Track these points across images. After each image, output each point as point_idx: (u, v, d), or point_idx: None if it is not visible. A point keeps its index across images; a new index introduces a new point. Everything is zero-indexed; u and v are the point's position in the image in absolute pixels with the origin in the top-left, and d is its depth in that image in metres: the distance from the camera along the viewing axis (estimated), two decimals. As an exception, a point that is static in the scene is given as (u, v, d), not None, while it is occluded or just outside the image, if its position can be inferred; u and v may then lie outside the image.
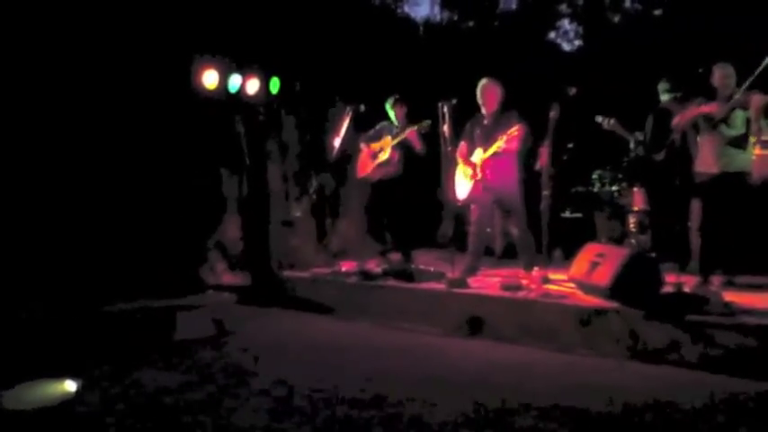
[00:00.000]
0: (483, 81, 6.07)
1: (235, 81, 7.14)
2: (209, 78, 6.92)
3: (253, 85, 7.28)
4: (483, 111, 6.10)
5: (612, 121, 6.88)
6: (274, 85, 7.43)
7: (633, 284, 4.79)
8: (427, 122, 6.40)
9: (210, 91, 6.97)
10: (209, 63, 6.94)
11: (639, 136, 6.76)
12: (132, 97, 6.81)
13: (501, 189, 5.97)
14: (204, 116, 7.25)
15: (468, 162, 6.06)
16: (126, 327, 5.54)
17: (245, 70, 7.23)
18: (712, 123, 5.37)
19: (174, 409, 3.73)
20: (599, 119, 6.92)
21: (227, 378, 4.27)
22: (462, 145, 6.17)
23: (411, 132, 6.53)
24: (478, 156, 5.98)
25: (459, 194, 6.15)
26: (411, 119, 6.78)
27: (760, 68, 5.12)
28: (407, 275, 6.20)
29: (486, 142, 5.93)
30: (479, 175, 5.95)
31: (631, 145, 6.84)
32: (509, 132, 5.69)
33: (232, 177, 7.60)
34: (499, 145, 5.76)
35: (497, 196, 6.03)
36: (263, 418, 3.54)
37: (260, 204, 7.56)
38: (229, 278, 7.21)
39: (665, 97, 6.44)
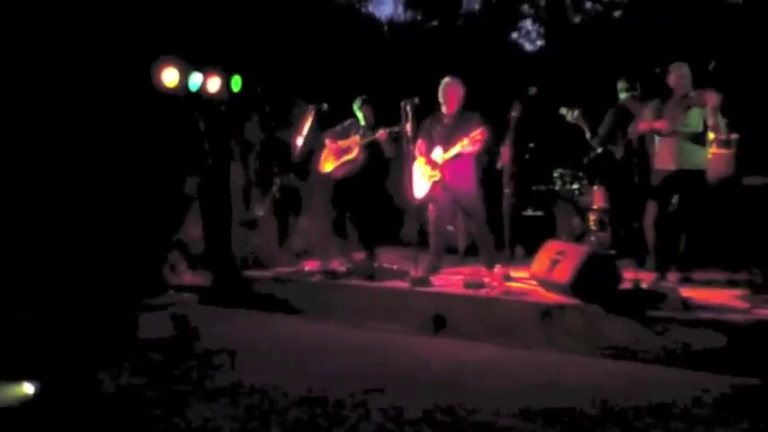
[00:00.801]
0: (446, 80, 6.04)
1: (195, 79, 7.05)
2: (169, 76, 6.81)
3: (214, 84, 7.19)
4: (444, 109, 6.08)
5: (576, 113, 6.88)
6: (236, 83, 7.34)
7: (593, 281, 4.87)
8: (399, 128, 6.33)
9: (170, 89, 6.87)
10: (169, 61, 6.84)
11: (598, 131, 6.83)
12: (92, 95, 6.68)
13: (459, 190, 5.97)
14: (166, 115, 7.15)
15: (428, 161, 6.06)
16: (87, 327, 5.44)
17: (206, 68, 7.14)
18: (666, 125, 5.48)
19: (134, 409, 3.68)
20: (563, 111, 6.94)
21: (188, 378, 4.22)
22: (420, 142, 6.13)
23: (383, 134, 6.48)
24: (439, 155, 5.97)
25: (417, 193, 6.14)
26: (378, 119, 6.77)
27: (710, 69, 5.26)
28: (371, 274, 6.19)
29: (447, 142, 5.91)
30: (439, 176, 5.96)
31: (587, 135, 6.87)
32: (472, 135, 5.68)
33: (194, 176, 7.50)
34: (462, 146, 5.76)
35: (456, 196, 6.04)
36: (222, 419, 3.51)
37: (222, 203, 7.47)
38: (191, 278, 7.11)
39: (623, 95, 6.56)
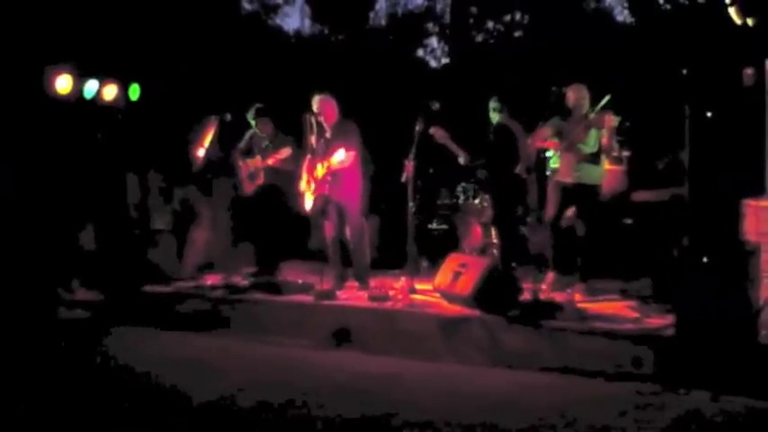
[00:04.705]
0: (317, 97, 6.08)
1: (91, 86, 6.78)
2: (62, 83, 6.54)
3: (110, 92, 6.94)
4: (324, 124, 6.12)
5: (445, 135, 6.74)
6: (134, 91, 7.11)
7: (493, 293, 4.96)
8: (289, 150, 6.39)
9: (63, 96, 6.58)
10: (61, 68, 6.56)
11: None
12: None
13: (342, 201, 6.04)
14: (58, 123, 6.83)
15: (311, 176, 6.06)
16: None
17: (102, 76, 6.88)
18: (568, 143, 5.69)
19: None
20: (432, 130, 6.44)
21: (74, 398, 4.00)
22: (308, 159, 6.14)
23: (275, 159, 6.50)
24: (320, 171, 5.98)
25: (306, 205, 6.17)
26: (279, 128, 6.70)
27: (604, 102, 5.50)
28: (275, 288, 6.09)
29: (325, 156, 5.96)
30: (322, 190, 5.97)
31: (461, 160, 6.63)
32: (341, 161, 5.78)
33: (92, 187, 7.18)
34: (338, 161, 5.82)
35: (339, 207, 6.09)
36: None
37: (118, 215, 7.19)
38: (84, 294, 6.77)
39: (494, 116, 6.52)
